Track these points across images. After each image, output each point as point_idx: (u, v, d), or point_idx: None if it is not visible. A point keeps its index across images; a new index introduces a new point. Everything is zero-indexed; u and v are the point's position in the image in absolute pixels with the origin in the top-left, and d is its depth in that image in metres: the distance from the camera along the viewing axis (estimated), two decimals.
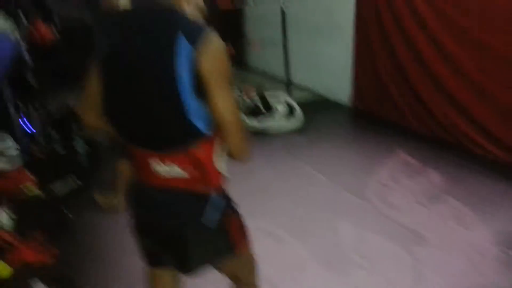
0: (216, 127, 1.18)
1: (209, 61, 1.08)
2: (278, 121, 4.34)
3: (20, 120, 3.45)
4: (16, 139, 3.23)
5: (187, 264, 1.35)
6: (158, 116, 1.15)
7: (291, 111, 4.54)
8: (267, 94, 4.54)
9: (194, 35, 1.07)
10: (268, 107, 4.44)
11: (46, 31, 3.62)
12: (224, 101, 1.13)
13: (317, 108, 4.88)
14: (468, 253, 2.32)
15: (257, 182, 3.25)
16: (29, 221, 2.74)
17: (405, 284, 2.12)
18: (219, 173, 1.28)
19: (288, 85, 4.88)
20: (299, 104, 4.53)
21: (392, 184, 3.08)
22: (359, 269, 2.25)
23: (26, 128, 3.52)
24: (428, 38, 3.67)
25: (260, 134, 4.24)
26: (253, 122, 4.30)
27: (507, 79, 3.15)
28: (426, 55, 3.71)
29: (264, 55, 6.13)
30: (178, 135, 1.17)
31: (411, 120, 4.04)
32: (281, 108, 4.44)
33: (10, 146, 2.87)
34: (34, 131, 3.59)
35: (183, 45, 1.06)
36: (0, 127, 3.16)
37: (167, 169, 1.21)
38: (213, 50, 1.09)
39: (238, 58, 7.00)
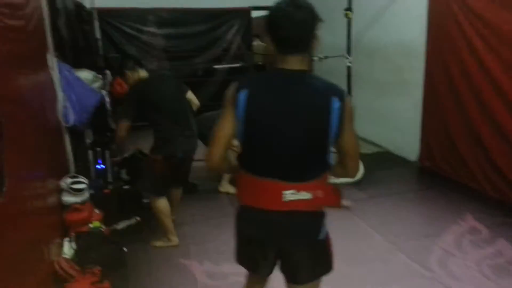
0: (342, 155, 1.52)
1: (348, 111, 1.44)
2: None
3: (95, 161, 3.80)
4: (88, 176, 3.52)
5: (300, 275, 1.63)
6: (305, 157, 1.47)
7: None
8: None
9: (340, 94, 1.44)
10: None
11: (124, 85, 4.05)
12: (352, 137, 1.49)
13: (381, 163, 4.75)
14: None
15: None
16: (89, 253, 2.91)
17: None
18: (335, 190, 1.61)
19: None
20: (364, 157, 4.44)
21: (456, 252, 2.84)
22: None
23: (99, 166, 3.85)
24: (500, 96, 3.49)
25: None
26: None
27: None
28: (499, 114, 3.52)
29: None
30: (319, 170, 1.50)
31: (483, 183, 3.77)
32: None
33: (81, 181, 3.12)
34: (104, 167, 3.90)
35: (335, 104, 1.41)
36: (78, 163, 3.48)
37: (296, 195, 1.47)
38: (349, 102, 1.45)
39: None
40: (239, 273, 2.69)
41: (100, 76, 3.94)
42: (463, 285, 2.49)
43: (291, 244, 1.58)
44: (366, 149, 5.25)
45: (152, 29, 6.96)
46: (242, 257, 1.74)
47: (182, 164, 3.17)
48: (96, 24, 6.53)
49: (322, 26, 1.52)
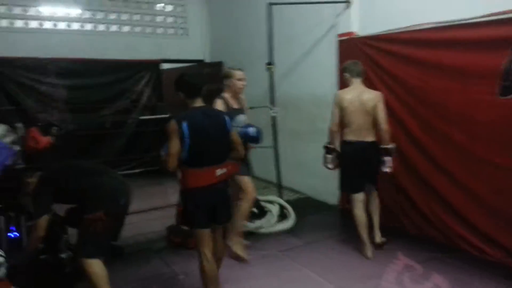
0: (235, 145, 2.85)
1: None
2: (271, 222, 4.30)
3: (7, 228, 3.26)
4: (2, 248, 2.99)
5: (225, 219, 2.86)
6: (224, 149, 2.76)
7: (282, 212, 4.53)
8: (260, 196, 4.54)
9: (226, 114, 2.85)
10: (261, 209, 4.42)
11: (42, 138, 3.69)
12: (236, 135, 2.90)
13: (307, 209, 4.91)
14: None
15: None
16: None
17: None
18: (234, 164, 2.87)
19: (279, 188, 4.95)
20: (290, 203, 4.56)
21: None
22: None
23: (12, 235, 3.30)
24: (410, 139, 3.92)
25: (252, 234, 4.16)
26: (245, 224, 4.23)
27: (492, 182, 3.34)
28: (411, 155, 3.93)
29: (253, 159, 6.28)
30: (228, 155, 2.78)
31: (405, 222, 4.10)
32: (274, 209, 4.44)
33: None
34: (18, 235, 3.37)
35: (228, 120, 2.76)
36: None
37: (221, 171, 2.68)
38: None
39: None
40: None
41: (11, 129, 3.46)
42: None
43: (223, 199, 2.77)
44: (288, 196, 5.40)
45: (53, 80, 6.43)
46: (200, 220, 2.67)
47: (125, 211, 3.00)
48: None
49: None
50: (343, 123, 3.76)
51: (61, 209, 3.27)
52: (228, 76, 3.72)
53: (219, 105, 3.50)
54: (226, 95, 3.68)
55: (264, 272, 3.40)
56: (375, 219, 3.79)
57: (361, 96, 3.65)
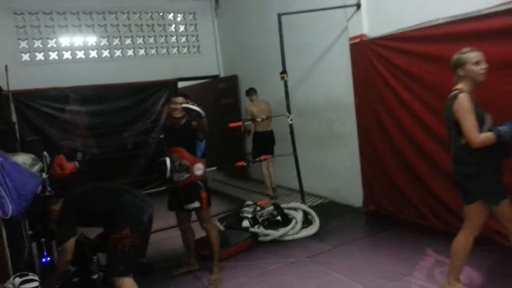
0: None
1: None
2: (296, 229, 4.30)
3: (41, 253, 3.37)
4: (33, 272, 3.09)
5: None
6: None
7: (307, 218, 4.53)
8: (283, 205, 4.56)
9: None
10: (285, 217, 4.43)
11: (67, 164, 3.83)
12: None
13: (330, 213, 4.88)
14: None
15: None
16: None
17: None
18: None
19: (301, 194, 4.96)
20: (313, 209, 4.55)
21: (434, 286, 2.95)
22: None
23: (45, 259, 3.41)
24: (429, 135, 3.88)
25: (278, 241, 4.16)
26: (270, 231, 4.25)
27: None
28: (432, 152, 3.89)
29: (274, 168, 6.33)
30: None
31: (430, 217, 4.05)
32: (298, 215, 4.44)
33: (32, 279, 2.72)
34: (50, 259, 3.48)
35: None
36: (19, 260, 3.06)
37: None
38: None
39: (243, 172, 7.19)
40: None
41: (38, 158, 3.62)
42: None
43: None
44: (311, 201, 5.39)
45: (75, 107, 6.68)
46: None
47: (149, 227, 3.04)
48: (12, 107, 6.12)
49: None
50: None
51: (90, 233, 3.36)
52: (460, 63, 2.58)
53: (463, 102, 2.45)
54: (464, 88, 2.55)
55: (294, 278, 3.40)
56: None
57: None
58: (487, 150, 2.45)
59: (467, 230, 2.66)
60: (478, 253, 3.14)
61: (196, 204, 3.42)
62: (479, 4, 3.30)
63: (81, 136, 6.72)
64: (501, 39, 3.20)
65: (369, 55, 4.44)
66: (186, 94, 3.60)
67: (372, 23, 4.48)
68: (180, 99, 3.44)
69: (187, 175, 3.38)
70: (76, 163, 4.15)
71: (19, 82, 6.05)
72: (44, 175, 3.61)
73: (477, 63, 2.51)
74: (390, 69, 4.21)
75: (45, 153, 3.81)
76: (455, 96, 2.53)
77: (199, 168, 3.40)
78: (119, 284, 2.77)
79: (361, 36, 4.56)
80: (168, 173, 3.42)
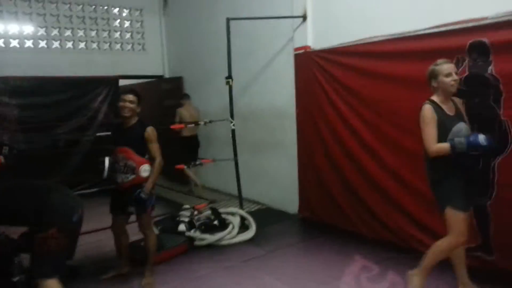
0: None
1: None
2: (232, 233, 4.32)
3: None
4: None
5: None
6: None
7: (244, 223, 4.56)
8: (221, 209, 4.56)
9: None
10: (222, 221, 4.43)
11: None
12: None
13: (266, 218, 4.96)
14: None
15: None
16: None
17: None
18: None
19: (240, 199, 4.99)
20: (250, 214, 4.60)
21: None
22: None
23: None
24: (364, 148, 4.10)
25: (214, 246, 4.16)
26: (206, 236, 4.23)
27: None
28: (365, 164, 4.10)
29: (214, 172, 6.33)
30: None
31: (359, 225, 4.25)
32: (235, 220, 4.46)
33: None
34: None
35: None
36: None
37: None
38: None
39: (181, 176, 7.09)
40: None
41: None
42: None
43: None
44: (249, 207, 5.44)
45: (4, 99, 6.21)
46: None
47: (78, 228, 2.89)
48: None
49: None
50: None
51: (12, 233, 3.14)
52: (433, 75, 2.74)
53: (425, 113, 2.67)
54: (436, 99, 2.74)
55: (227, 282, 3.41)
56: None
57: None
58: (449, 159, 2.60)
59: (449, 236, 2.69)
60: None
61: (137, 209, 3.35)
62: (418, 25, 3.50)
63: (9, 129, 6.27)
64: (432, 59, 3.45)
65: (312, 67, 4.59)
66: (137, 92, 3.45)
67: (316, 35, 4.65)
68: (130, 96, 3.31)
69: (132, 176, 3.23)
70: (1, 158, 3.87)
71: None
72: None
73: (448, 74, 2.66)
74: (331, 82, 4.39)
75: None
76: (421, 107, 2.69)
77: (145, 170, 3.25)
78: (43, 287, 2.62)
79: (305, 47, 4.71)
80: (105, 173, 3.26)
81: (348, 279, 3.29)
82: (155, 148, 3.33)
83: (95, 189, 6.50)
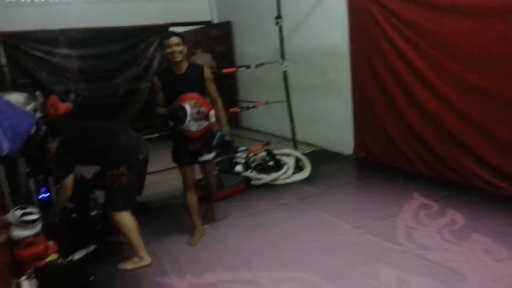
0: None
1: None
2: (287, 174, 4.41)
3: (38, 189, 3.44)
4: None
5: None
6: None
7: (298, 164, 4.64)
8: (275, 150, 4.64)
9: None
10: (277, 163, 4.52)
11: (61, 105, 3.82)
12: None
13: (321, 160, 4.98)
14: (509, 284, 2.33)
15: (281, 233, 3.25)
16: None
17: None
18: None
19: (294, 141, 5.03)
20: (305, 156, 4.65)
21: (417, 226, 3.10)
22: None
23: (43, 195, 3.49)
24: (422, 84, 3.92)
25: (270, 186, 4.30)
26: (262, 176, 4.35)
27: (500, 115, 3.37)
28: (422, 99, 3.95)
29: (267, 116, 6.38)
30: None
31: (418, 164, 4.17)
32: (290, 161, 4.53)
33: (32, 212, 2.81)
34: (49, 195, 3.57)
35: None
36: (18, 197, 3.13)
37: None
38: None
39: (235, 120, 7.22)
40: (225, 280, 2.66)
41: (31, 98, 3.59)
42: (433, 252, 2.72)
43: None
44: (303, 149, 5.48)
45: (65, 51, 6.53)
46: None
47: (145, 166, 3.13)
48: (1, 49, 5.97)
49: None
50: None
51: (87, 174, 3.42)
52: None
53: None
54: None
55: (283, 217, 3.54)
56: None
57: None
58: None
59: None
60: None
61: (212, 155, 3.24)
62: None
63: (72, 79, 6.63)
64: None
65: (366, 2, 4.35)
66: (178, 32, 3.14)
67: None
68: (175, 39, 2.96)
69: (206, 122, 3.02)
70: (69, 104, 4.13)
71: (5, 23, 5.86)
72: (38, 114, 3.60)
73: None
74: (387, 16, 4.14)
75: (38, 92, 3.78)
76: None
77: (213, 115, 3.07)
78: (117, 218, 2.88)
79: None
80: (187, 121, 2.95)
81: (406, 215, 3.29)
82: (215, 88, 3.18)
83: (152, 136, 6.86)
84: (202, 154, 3.18)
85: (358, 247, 2.92)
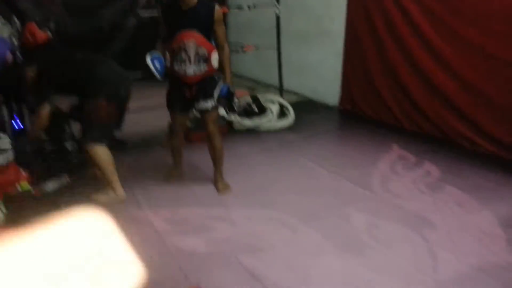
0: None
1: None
2: (270, 119, 4.37)
3: (11, 117, 3.35)
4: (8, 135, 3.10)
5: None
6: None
7: (282, 110, 4.59)
8: (260, 96, 4.56)
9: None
10: (262, 108, 4.46)
11: (39, 33, 3.64)
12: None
13: (306, 110, 4.95)
14: (476, 235, 2.39)
15: (261, 176, 3.26)
16: (22, 216, 2.60)
17: (423, 263, 2.15)
18: None
19: (280, 90, 4.95)
20: (291, 105, 4.60)
21: (393, 176, 3.14)
22: (375, 251, 2.26)
23: (16, 125, 3.40)
24: (418, 39, 3.81)
25: (253, 131, 4.27)
26: (245, 121, 4.31)
27: (495, 76, 3.31)
28: (417, 55, 3.86)
29: (255, 62, 6.23)
30: None
31: (401, 119, 4.15)
32: (274, 107, 4.48)
33: (4, 141, 2.74)
34: (22, 127, 3.48)
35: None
36: None
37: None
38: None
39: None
40: (199, 215, 2.68)
41: (7, 23, 3.41)
42: (406, 201, 2.77)
43: None
44: (288, 98, 5.40)
45: None
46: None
47: (126, 101, 3.02)
48: None
49: None
50: None
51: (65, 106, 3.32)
52: None
53: None
54: None
55: (263, 161, 3.54)
56: None
57: None
58: None
59: None
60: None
61: (212, 103, 2.86)
62: None
63: (55, 13, 6.30)
64: None
65: None
66: None
67: None
68: None
69: (205, 66, 2.73)
70: (49, 33, 3.93)
71: None
72: (15, 41, 3.44)
73: None
74: None
75: (15, 18, 3.57)
76: None
77: (215, 58, 2.75)
78: (93, 151, 2.82)
79: None
80: (159, 76, 2.81)
81: (383, 165, 3.32)
82: (224, 31, 2.82)
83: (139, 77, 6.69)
84: (198, 101, 2.85)
85: (334, 192, 2.95)
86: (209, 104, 2.85)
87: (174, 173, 3.27)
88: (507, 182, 2.97)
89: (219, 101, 2.90)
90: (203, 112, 2.89)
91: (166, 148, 3.38)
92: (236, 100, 3.03)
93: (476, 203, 2.72)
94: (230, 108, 3.25)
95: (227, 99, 2.94)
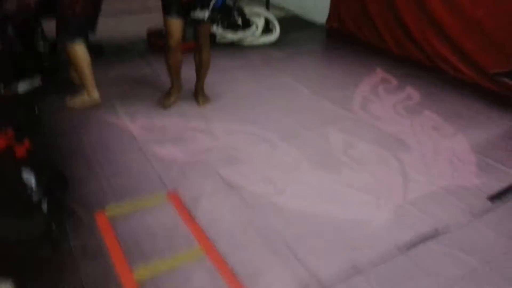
0: None
1: None
2: (254, 34, 4.20)
3: None
4: None
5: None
6: None
7: (267, 25, 4.40)
8: (245, 8, 4.32)
9: None
10: (246, 22, 4.26)
11: None
12: None
13: (292, 26, 4.78)
14: (449, 158, 2.46)
15: (242, 92, 3.20)
16: None
17: (394, 182, 2.23)
18: None
19: (266, 3, 4.69)
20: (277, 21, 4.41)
21: (374, 98, 3.14)
22: (349, 169, 2.32)
23: None
24: None
25: (236, 45, 4.12)
26: (229, 34, 4.12)
27: (494, 8, 3.20)
28: None
29: None
30: None
31: (390, 42, 4.06)
32: (259, 22, 4.28)
33: None
34: None
35: None
36: None
37: None
38: None
39: None
40: (177, 126, 2.65)
41: None
42: (384, 123, 2.80)
43: None
44: (276, 13, 5.17)
45: None
46: None
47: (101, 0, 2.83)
48: None
49: None
50: None
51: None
52: None
53: None
54: None
55: (245, 77, 3.46)
56: None
57: None
58: None
59: None
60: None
61: (206, 14, 2.68)
62: None
63: None
64: None
65: None
66: None
67: None
68: None
69: None
70: None
71: None
72: None
73: None
74: None
75: None
76: None
77: None
78: (70, 49, 2.69)
79: None
80: None
81: (365, 87, 3.30)
82: None
83: None
84: (195, 9, 2.65)
85: (314, 111, 2.94)
86: (205, 14, 2.67)
87: (172, 96, 2.95)
88: (486, 111, 3.02)
89: (213, 14, 2.72)
90: (197, 22, 2.74)
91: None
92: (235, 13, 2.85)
93: (452, 128, 2.78)
94: (227, 22, 3.00)
95: (221, 12, 2.75)
